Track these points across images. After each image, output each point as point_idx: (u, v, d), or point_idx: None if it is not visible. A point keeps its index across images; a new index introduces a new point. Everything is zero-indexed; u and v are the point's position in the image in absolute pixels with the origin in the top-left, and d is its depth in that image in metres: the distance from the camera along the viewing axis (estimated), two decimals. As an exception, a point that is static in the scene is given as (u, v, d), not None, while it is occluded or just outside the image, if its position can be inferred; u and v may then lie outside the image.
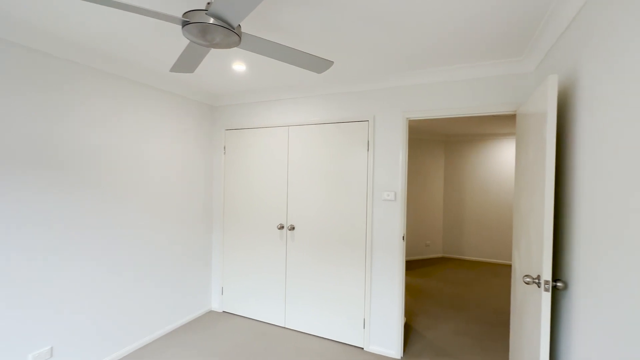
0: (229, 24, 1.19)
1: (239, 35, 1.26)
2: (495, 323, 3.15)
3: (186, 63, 1.60)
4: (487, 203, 5.53)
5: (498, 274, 4.80)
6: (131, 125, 2.51)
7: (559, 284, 1.43)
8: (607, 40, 1.14)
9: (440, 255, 5.82)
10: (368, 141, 2.64)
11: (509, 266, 5.25)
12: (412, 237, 5.52)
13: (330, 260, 2.79)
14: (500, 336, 2.88)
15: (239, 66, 2.39)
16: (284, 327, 2.99)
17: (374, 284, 2.63)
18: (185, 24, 1.18)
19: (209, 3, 1.23)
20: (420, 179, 5.59)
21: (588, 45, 1.29)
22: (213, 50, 2.11)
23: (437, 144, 5.74)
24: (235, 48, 1.93)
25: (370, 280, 2.64)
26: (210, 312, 3.29)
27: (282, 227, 2.98)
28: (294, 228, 2.94)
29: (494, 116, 3.96)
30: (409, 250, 5.51)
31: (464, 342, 2.77)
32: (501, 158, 5.43)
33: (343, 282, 2.74)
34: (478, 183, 5.59)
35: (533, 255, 1.57)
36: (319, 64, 1.59)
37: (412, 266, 5.16)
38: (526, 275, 1.50)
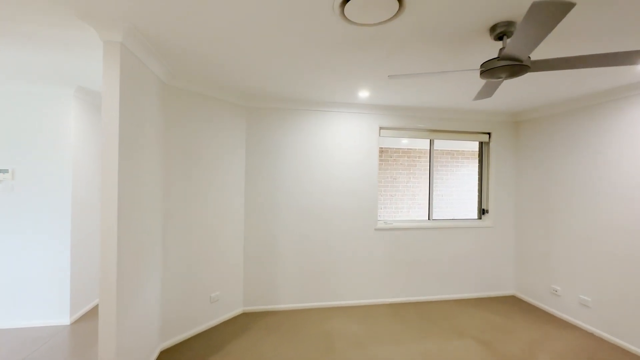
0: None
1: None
2: None
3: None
4: (312, 208, 3.41)
5: (332, 339, 2.64)
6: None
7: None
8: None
9: (240, 310, 3.22)
10: None
11: (351, 309, 3.28)
12: (181, 291, 2.63)
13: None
14: None
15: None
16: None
17: None
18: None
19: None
20: (207, 175, 2.80)
21: None
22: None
23: (236, 110, 3.14)
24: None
25: None
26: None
27: None
28: None
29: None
30: (171, 324, 2.57)
31: None
32: (333, 138, 3.47)
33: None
34: (298, 178, 3.39)
35: None
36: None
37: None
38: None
